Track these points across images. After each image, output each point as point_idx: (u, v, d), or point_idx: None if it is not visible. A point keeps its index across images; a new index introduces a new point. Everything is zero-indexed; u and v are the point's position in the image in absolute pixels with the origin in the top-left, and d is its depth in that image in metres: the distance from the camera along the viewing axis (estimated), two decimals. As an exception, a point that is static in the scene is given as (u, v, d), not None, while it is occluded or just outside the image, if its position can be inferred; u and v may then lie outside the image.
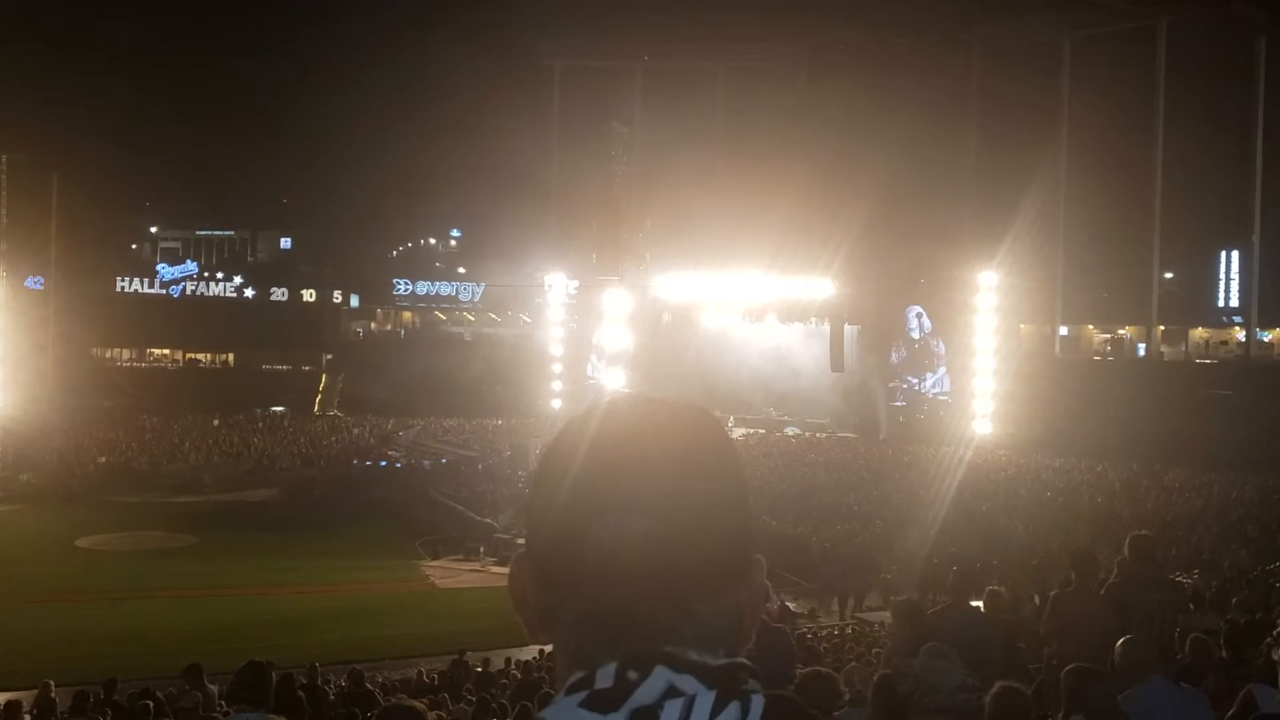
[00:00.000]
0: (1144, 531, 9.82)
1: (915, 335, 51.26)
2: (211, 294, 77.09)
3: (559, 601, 1.06)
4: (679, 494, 1.04)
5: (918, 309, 51.16)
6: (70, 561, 30.74)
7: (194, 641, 21.07)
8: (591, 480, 1.05)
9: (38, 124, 59.11)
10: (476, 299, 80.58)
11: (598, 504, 1.04)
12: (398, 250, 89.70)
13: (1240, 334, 57.28)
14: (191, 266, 79.21)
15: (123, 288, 74.69)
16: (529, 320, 70.23)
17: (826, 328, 52.34)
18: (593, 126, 63.25)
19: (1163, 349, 57.06)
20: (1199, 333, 59.78)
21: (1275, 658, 5.33)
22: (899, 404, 51.53)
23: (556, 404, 52.72)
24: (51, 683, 14.50)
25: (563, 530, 1.06)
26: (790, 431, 51.53)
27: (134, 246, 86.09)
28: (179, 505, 39.48)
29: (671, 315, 55.64)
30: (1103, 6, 52.01)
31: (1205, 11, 48.51)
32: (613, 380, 42.72)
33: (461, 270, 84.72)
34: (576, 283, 55.90)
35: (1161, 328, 56.79)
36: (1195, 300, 59.04)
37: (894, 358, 51.79)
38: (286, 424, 57.73)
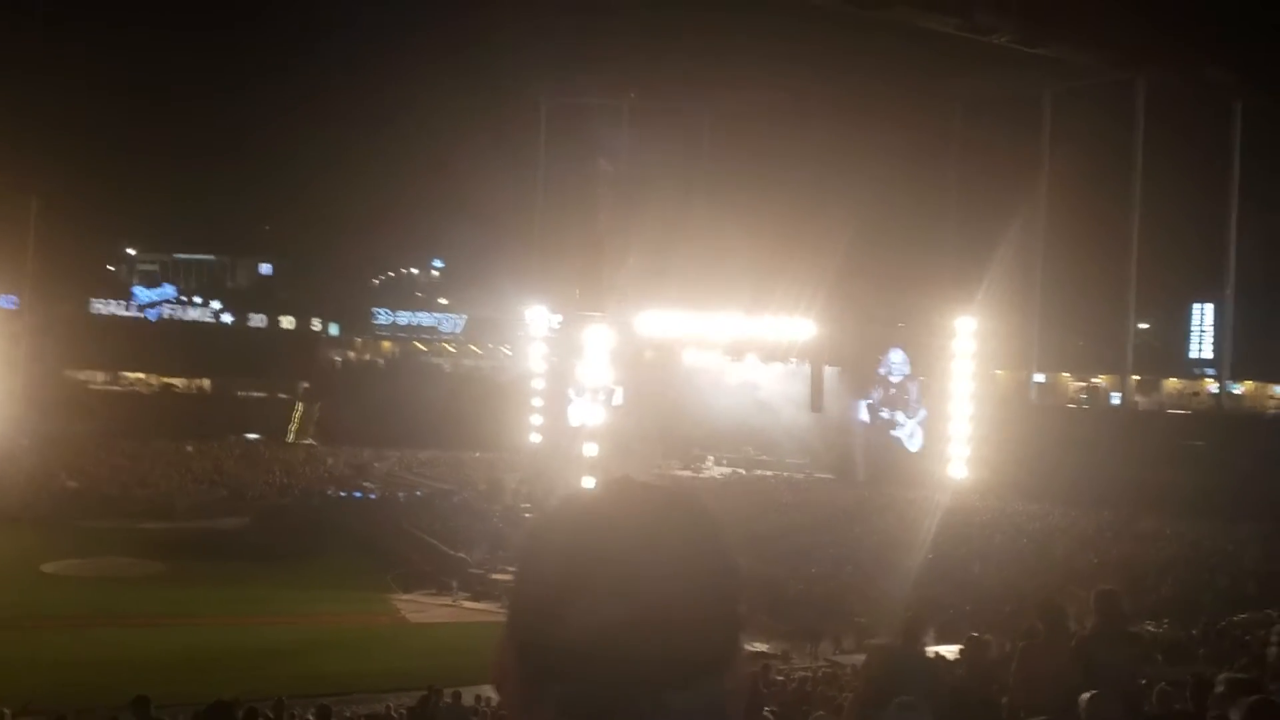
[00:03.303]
0: (1109, 586, 9.90)
1: (894, 379, 51.51)
2: (189, 318, 76.75)
3: (538, 685, 1.06)
4: (655, 580, 1.05)
5: (900, 351, 51.43)
6: (35, 587, 30.38)
7: (160, 671, 20.86)
8: (570, 562, 1.07)
9: (18, 148, 58.85)
10: (457, 330, 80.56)
11: (574, 587, 1.05)
12: (379, 279, 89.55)
13: (1212, 385, 57.88)
14: (169, 290, 78.85)
15: (98, 310, 74.27)
16: (510, 353, 70.22)
17: (806, 368, 52.56)
18: (578, 162, 63.57)
19: (1136, 398, 57.57)
20: (1172, 383, 60.41)
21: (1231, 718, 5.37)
22: (866, 442, 51.67)
23: (535, 438, 52.60)
24: (7, 711, 14.32)
25: (541, 612, 1.06)
26: (766, 473, 51.61)
27: (111, 268, 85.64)
28: (149, 531, 39.12)
29: (653, 352, 55.74)
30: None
31: (1181, 75, 49.33)
32: (592, 416, 42.69)
33: (443, 301, 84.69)
34: (559, 317, 55.94)
35: (1136, 377, 57.33)
36: (1169, 351, 59.71)
37: (871, 397, 52.01)
38: (261, 452, 57.38)
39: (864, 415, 51.91)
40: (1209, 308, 58.12)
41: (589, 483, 38.00)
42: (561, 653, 1.04)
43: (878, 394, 51.75)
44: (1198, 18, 38.84)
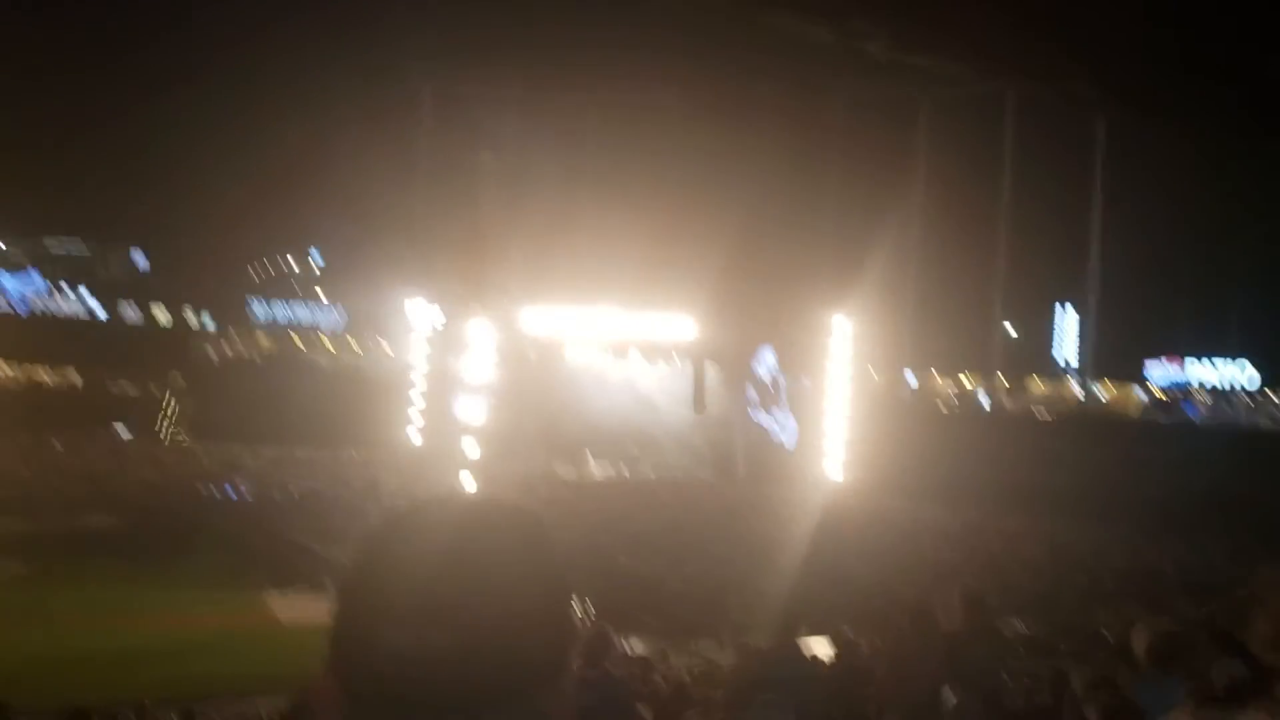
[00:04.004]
0: (973, 584, 10.22)
1: (764, 376, 52.25)
2: (57, 309, 73.90)
3: (360, 711, 1.05)
4: (470, 601, 1.03)
5: (769, 349, 52.19)
6: (-116, 589, 28.94)
7: (18, 677, 20.06)
8: (388, 586, 1.05)
9: None
10: (336, 325, 79.14)
11: (392, 611, 1.04)
12: (256, 272, 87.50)
13: (1076, 386, 60.19)
14: (36, 278, 75.80)
15: (-43, 299, 71.16)
16: (389, 350, 69.28)
17: (689, 367, 52.98)
18: (461, 154, 62.99)
19: (1004, 400, 59.54)
20: (1038, 384, 62.65)
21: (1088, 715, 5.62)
22: (746, 441, 52.39)
23: (415, 437, 51.98)
24: None
25: (359, 637, 1.06)
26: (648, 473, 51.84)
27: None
28: (8, 531, 37.54)
29: (536, 349, 55.58)
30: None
31: (1046, 88, 51.14)
32: (474, 415, 42.36)
33: (321, 295, 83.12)
34: (441, 313, 55.38)
35: (1003, 377, 59.30)
36: (1034, 351, 61.95)
37: (746, 396, 52.66)
38: (130, 448, 55.54)
39: (751, 415, 52.48)
40: (1070, 308, 60.45)
41: (464, 484, 37.72)
42: (380, 678, 1.03)
43: (752, 392, 52.48)
44: (1063, 34, 40.36)
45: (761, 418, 52.36)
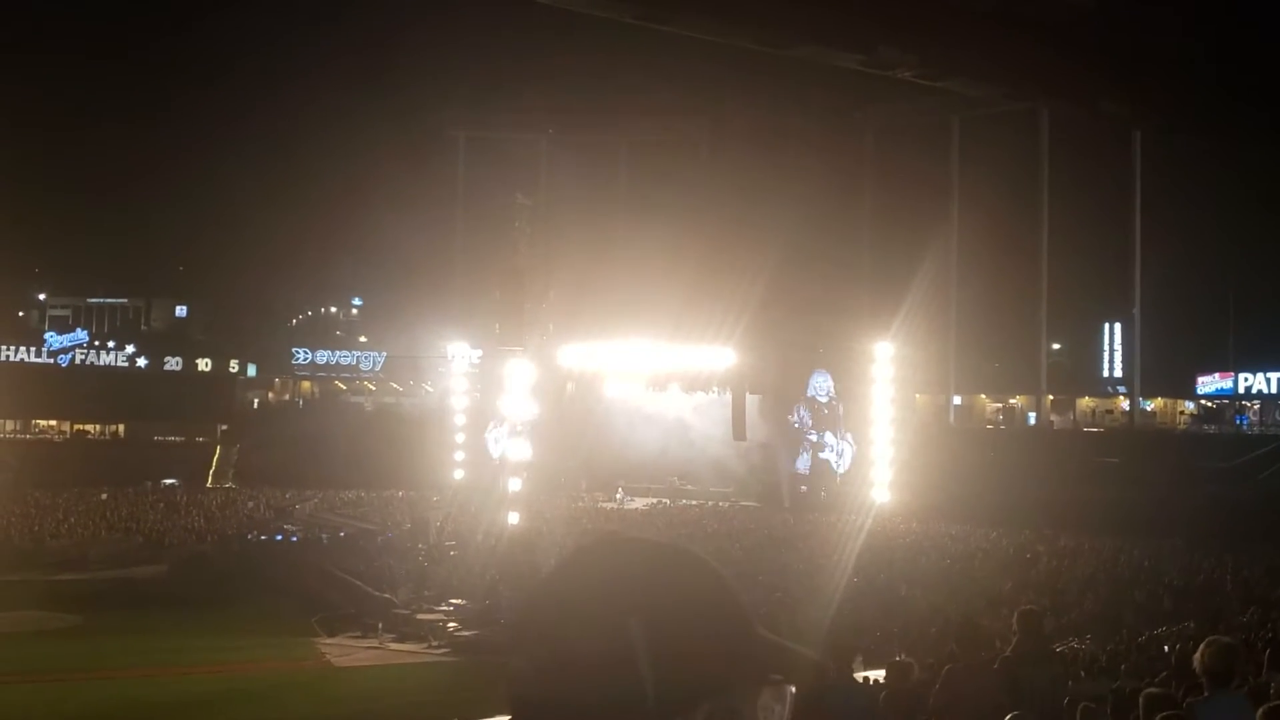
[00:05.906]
0: (1030, 606, 10.05)
1: (822, 399, 51.94)
2: (102, 363, 74.95)
3: None
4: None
5: (824, 373, 51.90)
6: (-58, 645, 29.24)
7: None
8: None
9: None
10: (378, 368, 79.71)
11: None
12: (297, 319, 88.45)
13: (1124, 403, 59.33)
14: (82, 335, 76.96)
15: (7, 357, 72.32)
16: (431, 390, 69.69)
17: (728, 397, 52.83)
18: (496, 197, 63.46)
19: (1052, 417, 58.83)
20: (1085, 402, 61.84)
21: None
22: (801, 471, 51.99)
23: (458, 475, 52.15)
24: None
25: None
26: (691, 503, 51.59)
27: (21, 314, 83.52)
28: (62, 583, 37.92)
29: (575, 385, 55.67)
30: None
31: (1076, 106, 50.66)
32: (515, 451, 42.45)
33: (363, 339, 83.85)
34: (479, 352, 55.64)
35: (1050, 397, 58.58)
36: (1081, 370, 61.16)
37: (795, 420, 52.31)
38: (178, 497, 56.07)
39: (797, 441, 52.07)
40: (1118, 326, 59.67)
41: (513, 519, 37.74)
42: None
43: (805, 415, 52.12)
44: (1090, 52, 40.10)
45: (810, 440, 52.03)
